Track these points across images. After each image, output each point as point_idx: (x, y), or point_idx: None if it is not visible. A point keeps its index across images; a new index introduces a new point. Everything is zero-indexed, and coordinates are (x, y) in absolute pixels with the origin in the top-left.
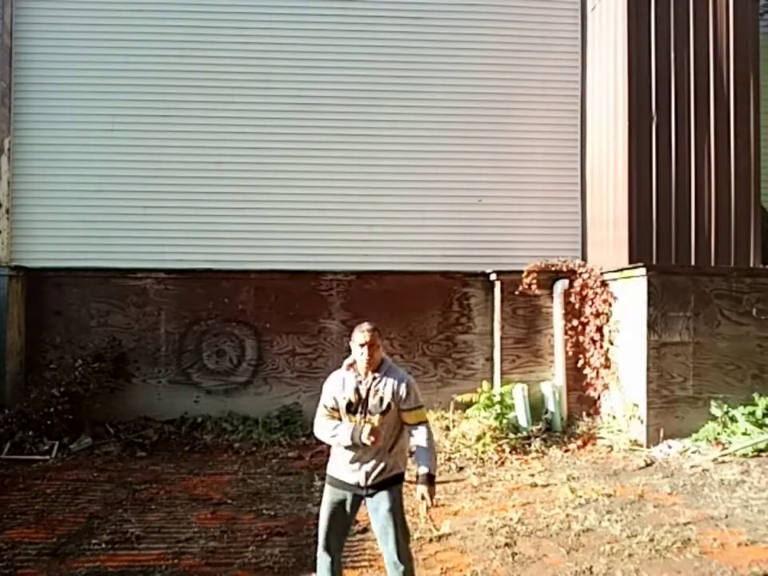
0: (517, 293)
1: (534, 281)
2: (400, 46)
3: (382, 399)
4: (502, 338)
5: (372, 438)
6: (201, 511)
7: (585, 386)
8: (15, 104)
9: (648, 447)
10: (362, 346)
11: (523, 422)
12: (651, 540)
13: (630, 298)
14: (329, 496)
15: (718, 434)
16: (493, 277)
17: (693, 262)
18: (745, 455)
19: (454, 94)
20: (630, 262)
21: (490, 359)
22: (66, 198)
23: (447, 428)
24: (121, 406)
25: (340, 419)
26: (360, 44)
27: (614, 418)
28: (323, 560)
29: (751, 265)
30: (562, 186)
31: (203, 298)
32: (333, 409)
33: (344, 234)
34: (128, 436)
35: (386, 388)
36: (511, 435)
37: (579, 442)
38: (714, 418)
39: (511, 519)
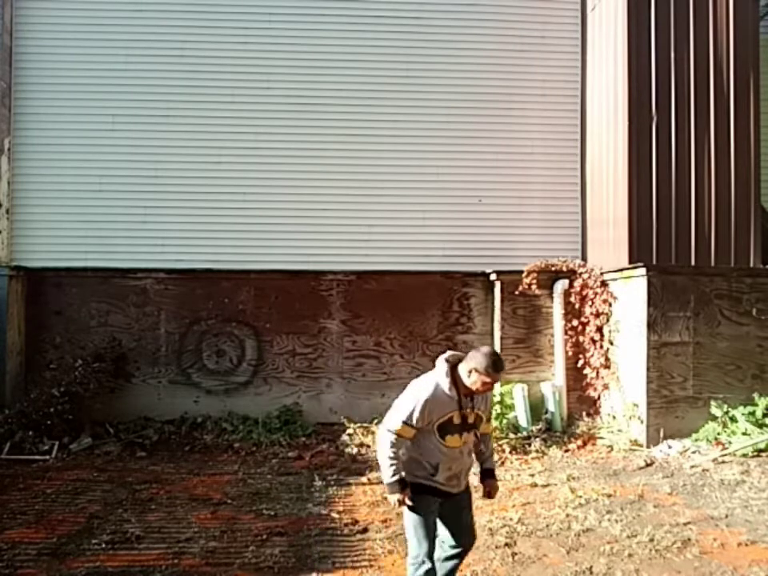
0: (517, 293)
1: (534, 281)
2: (400, 45)
3: (480, 417)
4: (501, 338)
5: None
6: (201, 511)
7: (585, 386)
8: (15, 104)
9: (648, 447)
10: (485, 384)
11: (523, 422)
12: (651, 540)
13: (629, 298)
14: (426, 505)
15: (718, 434)
16: (493, 277)
17: (693, 262)
18: (745, 455)
19: (454, 94)
20: (630, 261)
21: None
22: (66, 197)
23: None
24: (121, 406)
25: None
26: (360, 44)
27: (614, 417)
28: (428, 570)
29: (751, 265)
30: (562, 185)
31: (203, 298)
32: (415, 427)
33: (344, 234)
34: (128, 436)
35: (482, 406)
36: (511, 435)
37: (579, 442)
38: (714, 418)
39: (511, 519)
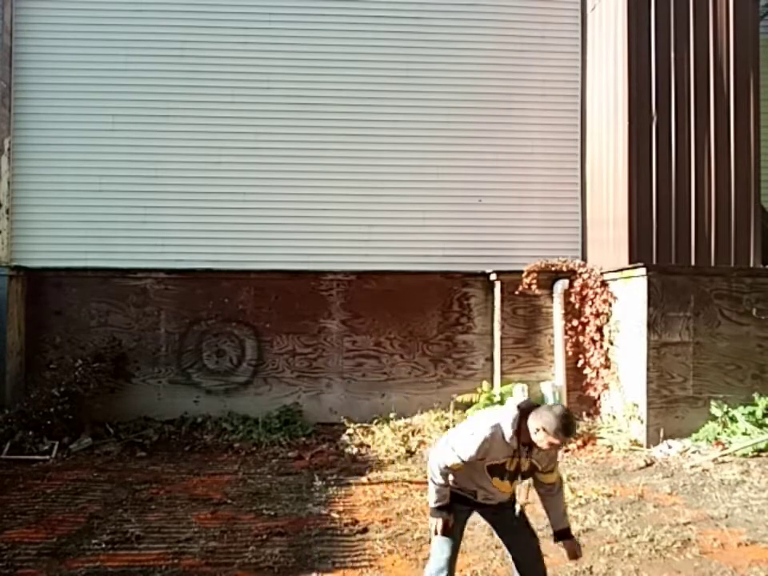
0: (517, 293)
1: (534, 281)
2: (400, 45)
3: (534, 466)
4: (501, 338)
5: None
6: (201, 511)
7: (585, 386)
8: (15, 104)
9: (648, 447)
10: (551, 445)
11: None
12: (651, 540)
13: (629, 298)
14: (454, 512)
15: (718, 434)
16: (493, 277)
17: (693, 262)
18: (745, 455)
19: (454, 94)
20: (630, 261)
21: (490, 359)
22: (66, 197)
23: (447, 428)
24: (121, 406)
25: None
26: (360, 44)
27: (614, 417)
28: None
29: (751, 265)
30: (562, 185)
31: (203, 298)
32: (466, 462)
33: (344, 234)
34: (128, 436)
35: (543, 458)
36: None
37: (579, 442)
38: (714, 418)
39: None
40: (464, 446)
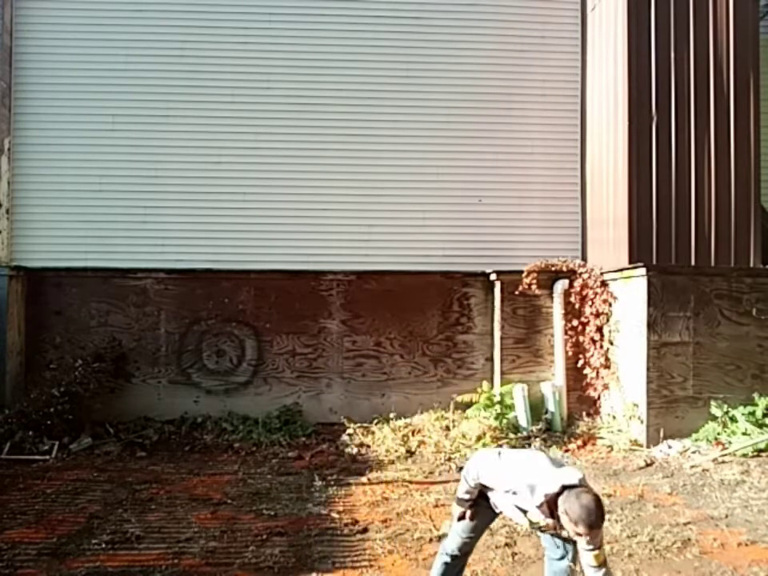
0: (517, 293)
1: (534, 281)
2: (400, 45)
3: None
4: (501, 338)
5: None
6: (201, 511)
7: (585, 386)
8: (15, 104)
9: (648, 447)
10: (580, 535)
11: (523, 422)
12: (651, 540)
13: (629, 298)
14: (477, 503)
15: (718, 434)
16: (493, 277)
17: (693, 262)
18: (745, 455)
19: (454, 94)
20: (630, 261)
21: (490, 359)
22: (66, 197)
23: (447, 428)
24: (121, 406)
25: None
26: (360, 44)
27: (614, 417)
28: (446, 563)
29: (751, 265)
30: (562, 185)
31: (203, 298)
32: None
33: (344, 234)
34: (128, 436)
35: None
36: (511, 435)
37: (579, 442)
38: (714, 418)
39: (511, 519)
40: (490, 478)
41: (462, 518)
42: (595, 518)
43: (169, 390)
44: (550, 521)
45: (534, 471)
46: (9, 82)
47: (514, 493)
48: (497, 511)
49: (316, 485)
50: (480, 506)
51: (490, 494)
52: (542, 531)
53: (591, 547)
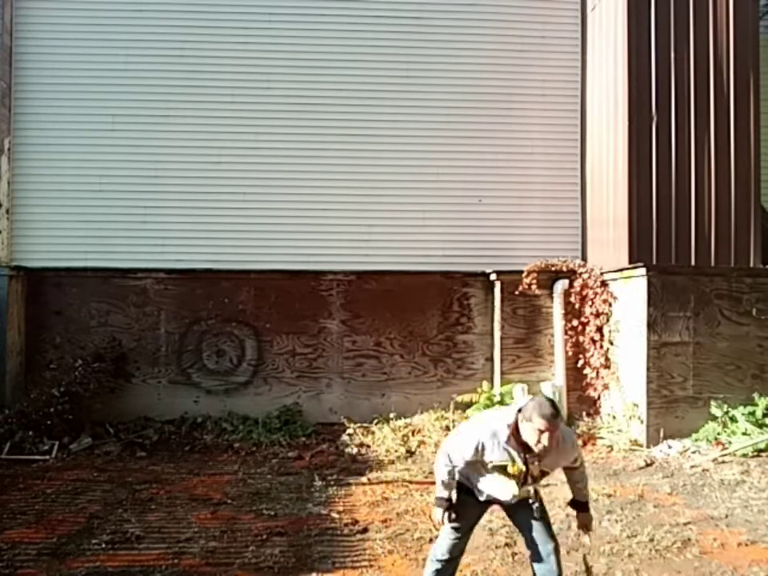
0: (517, 293)
1: (534, 281)
2: (400, 45)
3: (545, 473)
4: (501, 338)
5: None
6: (201, 511)
7: (585, 386)
8: (15, 104)
9: (648, 447)
10: (542, 432)
11: None
12: (651, 540)
13: (629, 298)
14: (463, 504)
15: (718, 434)
16: (493, 277)
17: (693, 262)
18: (745, 455)
19: (454, 94)
20: (630, 261)
21: (490, 359)
22: (66, 197)
23: (447, 428)
24: (121, 406)
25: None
26: (360, 44)
27: (614, 417)
28: (437, 570)
29: (751, 265)
30: (562, 185)
31: (203, 298)
32: (469, 461)
33: (344, 234)
34: (128, 436)
35: (556, 464)
36: None
37: (579, 442)
38: (714, 418)
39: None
40: (463, 449)
41: (449, 519)
42: (548, 409)
43: (169, 390)
44: (526, 458)
45: (491, 419)
46: (9, 82)
47: (483, 447)
48: (482, 498)
49: (316, 485)
50: (465, 504)
51: (471, 479)
52: (525, 484)
53: (578, 464)
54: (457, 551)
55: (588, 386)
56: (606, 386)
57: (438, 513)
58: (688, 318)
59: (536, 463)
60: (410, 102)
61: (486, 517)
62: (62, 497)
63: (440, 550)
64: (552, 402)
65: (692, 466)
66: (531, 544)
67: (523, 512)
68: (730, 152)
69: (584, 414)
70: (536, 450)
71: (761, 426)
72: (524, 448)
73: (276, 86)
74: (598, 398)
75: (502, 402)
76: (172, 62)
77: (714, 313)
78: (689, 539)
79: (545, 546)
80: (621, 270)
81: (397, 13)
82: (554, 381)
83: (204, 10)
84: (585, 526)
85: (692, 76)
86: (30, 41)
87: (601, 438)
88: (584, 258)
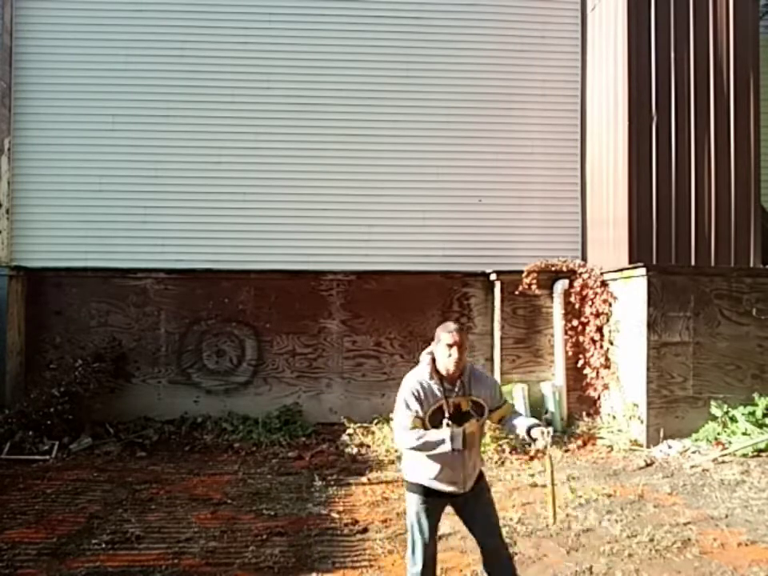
0: (517, 293)
1: (534, 281)
2: (400, 45)
3: (477, 404)
4: (501, 338)
5: (471, 445)
6: (201, 511)
7: (585, 386)
8: (15, 104)
9: (648, 447)
10: (451, 346)
11: None
12: (651, 540)
13: (629, 298)
14: (425, 507)
15: (718, 434)
16: (493, 277)
17: (693, 262)
18: (745, 455)
19: (454, 94)
20: (630, 261)
21: (490, 359)
22: (66, 197)
23: None
24: (121, 406)
25: (425, 427)
26: (360, 44)
27: (614, 417)
28: (417, 573)
29: (751, 265)
30: (562, 185)
31: (203, 298)
32: (419, 417)
33: (344, 234)
34: (128, 436)
35: (480, 392)
36: (511, 435)
37: (579, 442)
38: (714, 418)
39: (511, 519)
40: (405, 403)
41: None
42: (451, 324)
43: (169, 390)
44: (446, 388)
45: (412, 372)
46: (9, 82)
47: (419, 393)
48: (432, 475)
49: (316, 485)
50: (426, 510)
51: (421, 462)
52: (461, 423)
53: (500, 401)
54: (431, 552)
55: (588, 385)
56: (605, 386)
57: (446, 442)
58: (688, 318)
59: (465, 394)
60: (410, 101)
61: None
62: (62, 497)
63: (417, 559)
64: (457, 323)
65: (692, 466)
66: (480, 542)
67: (473, 512)
68: (729, 152)
69: (584, 413)
70: (451, 367)
71: (761, 425)
72: (446, 378)
73: (276, 86)
74: (598, 397)
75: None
76: (172, 62)
77: (713, 313)
78: (689, 539)
79: (494, 543)
80: (621, 270)
81: (397, 13)
82: (554, 381)
83: (204, 9)
84: (540, 436)
85: (692, 76)
86: (30, 41)
87: (601, 438)
88: (584, 258)
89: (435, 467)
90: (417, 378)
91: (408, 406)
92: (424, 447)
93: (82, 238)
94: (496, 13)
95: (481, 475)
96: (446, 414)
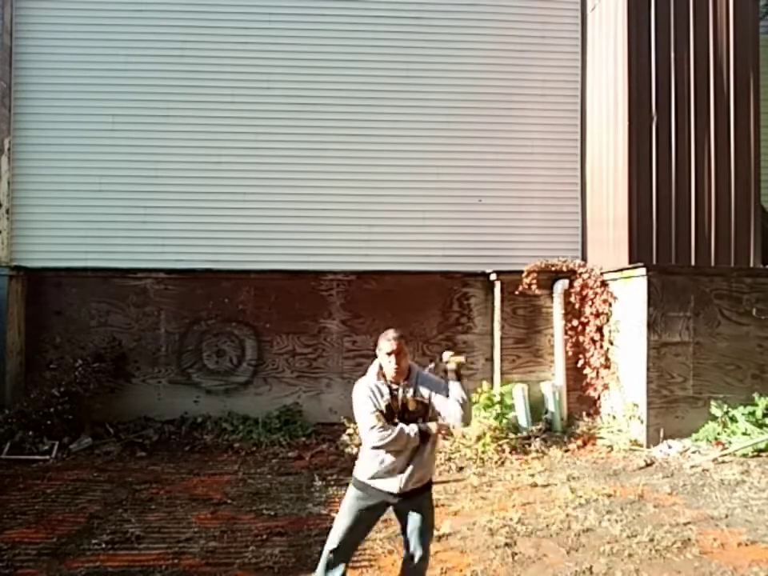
0: (517, 293)
1: (534, 281)
2: (400, 45)
3: (424, 405)
4: (501, 338)
5: (440, 431)
6: (201, 511)
7: (585, 386)
8: (15, 104)
9: (648, 447)
10: (389, 354)
11: (523, 422)
12: (651, 540)
13: (629, 298)
14: (356, 501)
15: (718, 434)
16: (493, 277)
17: (693, 262)
18: (745, 455)
19: (454, 94)
20: (630, 261)
21: (490, 359)
22: (66, 197)
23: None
24: (121, 406)
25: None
26: (360, 44)
27: (614, 417)
28: (337, 570)
29: (751, 265)
30: (562, 185)
31: (203, 298)
32: (379, 410)
33: (344, 234)
34: (128, 436)
35: (425, 394)
36: (511, 435)
37: (579, 442)
38: (714, 418)
39: (511, 519)
40: (364, 403)
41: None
42: (391, 332)
43: (169, 390)
44: (393, 389)
45: (363, 378)
46: (9, 82)
47: (372, 394)
48: (382, 466)
49: (316, 485)
50: (363, 511)
51: (370, 457)
52: (408, 420)
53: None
54: (344, 547)
55: (588, 385)
56: (605, 386)
57: (410, 431)
58: (688, 318)
59: (413, 395)
60: (410, 101)
61: (486, 517)
62: (62, 497)
63: (325, 550)
64: (395, 330)
65: (692, 466)
66: (405, 544)
67: (409, 515)
68: (729, 152)
69: (584, 413)
70: (393, 373)
71: (761, 425)
72: (393, 381)
73: (276, 86)
74: (598, 397)
75: (501, 403)
76: (172, 62)
77: (713, 313)
78: (689, 539)
79: (417, 545)
80: (621, 270)
81: (397, 13)
82: (554, 381)
83: (204, 9)
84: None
85: (692, 76)
86: (30, 41)
87: (601, 438)
88: (584, 258)
89: (379, 464)
90: (366, 382)
91: (366, 407)
92: (392, 443)
93: (81, 238)
94: (496, 13)
95: (428, 487)
96: (396, 411)
